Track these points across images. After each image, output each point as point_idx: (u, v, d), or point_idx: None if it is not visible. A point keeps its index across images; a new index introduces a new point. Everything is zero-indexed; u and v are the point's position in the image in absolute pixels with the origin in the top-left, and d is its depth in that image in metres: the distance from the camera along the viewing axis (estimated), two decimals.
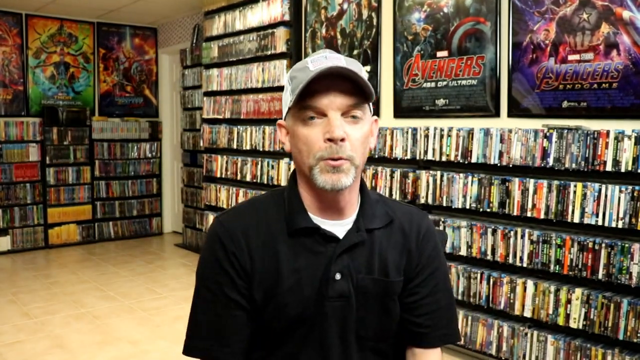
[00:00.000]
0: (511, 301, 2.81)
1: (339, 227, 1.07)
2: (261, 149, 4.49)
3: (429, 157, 3.20)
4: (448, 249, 3.06)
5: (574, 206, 2.57)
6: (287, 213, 1.07)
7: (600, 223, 2.49)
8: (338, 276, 1.04)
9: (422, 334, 1.11)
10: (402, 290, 1.11)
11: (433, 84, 3.31)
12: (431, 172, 3.18)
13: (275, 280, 1.04)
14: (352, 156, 0.99)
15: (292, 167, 4.07)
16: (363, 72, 1.03)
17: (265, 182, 4.44)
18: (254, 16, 4.57)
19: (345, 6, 3.89)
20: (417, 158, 3.27)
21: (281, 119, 1.11)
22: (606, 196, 2.47)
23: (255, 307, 1.05)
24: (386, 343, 1.12)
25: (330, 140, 0.97)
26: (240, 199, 4.72)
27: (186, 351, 1.07)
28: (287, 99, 1.04)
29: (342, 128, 0.98)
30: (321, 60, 1.00)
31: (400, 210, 1.15)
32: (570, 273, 2.59)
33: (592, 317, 2.52)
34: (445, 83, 3.24)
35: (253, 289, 1.04)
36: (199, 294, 1.07)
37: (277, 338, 1.06)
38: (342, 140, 0.98)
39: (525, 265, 2.76)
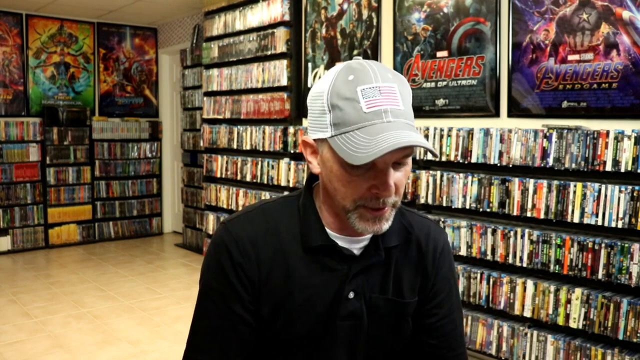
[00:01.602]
0: (511, 301, 2.81)
1: (356, 244, 1.01)
2: (261, 149, 4.49)
3: (429, 157, 3.20)
4: None
5: (573, 206, 2.58)
6: (303, 227, 1.00)
7: (600, 223, 2.49)
8: (351, 295, 0.99)
9: (439, 356, 1.07)
10: (418, 311, 1.07)
11: (433, 84, 3.31)
12: (431, 172, 3.18)
13: (285, 295, 0.98)
14: (396, 202, 0.93)
15: (293, 165, 4.00)
16: (409, 94, 0.93)
17: (265, 182, 4.45)
18: (254, 16, 4.58)
19: (345, 6, 3.89)
20: (417, 158, 3.27)
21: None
22: (606, 196, 2.47)
23: (261, 322, 1.00)
24: None
25: (376, 193, 0.90)
26: (241, 199, 4.72)
27: None
28: (322, 123, 0.91)
29: (392, 181, 0.89)
30: (374, 96, 0.87)
31: (418, 224, 1.09)
32: (570, 273, 2.60)
33: (591, 317, 2.52)
34: (445, 83, 3.25)
35: (260, 302, 0.99)
36: (202, 304, 1.02)
37: (283, 354, 1.02)
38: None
39: (525, 265, 2.76)
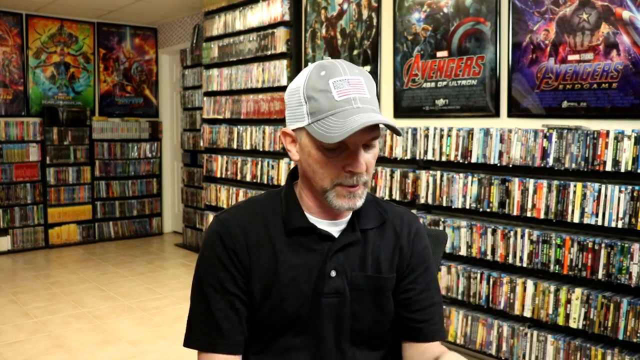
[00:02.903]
0: (511, 301, 2.81)
1: (335, 227, 1.12)
2: (261, 149, 4.49)
3: (429, 157, 3.20)
4: (448, 249, 3.06)
5: (573, 206, 2.58)
6: (285, 213, 1.11)
7: (600, 223, 2.49)
8: (333, 273, 1.09)
9: (418, 329, 1.15)
10: (397, 288, 1.15)
11: (433, 84, 3.31)
12: (431, 172, 3.18)
13: (273, 276, 1.07)
14: (367, 180, 1.06)
15: (293, 165, 4.03)
16: (373, 86, 1.05)
17: (265, 182, 4.45)
18: (254, 16, 4.58)
19: (345, 6, 3.89)
20: (417, 158, 3.27)
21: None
22: (606, 196, 2.47)
23: (253, 303, 1.08)
24: (380, 338, 1.16)
25: (350, 171, 1.02)
26: (241, 199, 4.72)
27: (187, 343, 1.11)
28: (300, 114, 1.04)
29: (363, 160, 1.03)
30: (344, 86, 1.00)
31: (392, 211, 1.19)
32: (570, 273, 2.60)
33: (591, 317, 2.52)
34: (445, 83, 3.25)
35: (251, 284, 1.08)
36: (199, 289, 1.10)
37: (273, 333, 1.10)
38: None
39: (525, 265, 2.76)
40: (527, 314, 2.75)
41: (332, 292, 1.09)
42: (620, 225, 2.43)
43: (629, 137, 2.41)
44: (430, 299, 1.16)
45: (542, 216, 2.68)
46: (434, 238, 1.40)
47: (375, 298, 1.12)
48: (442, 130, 3.13)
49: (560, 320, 2.63)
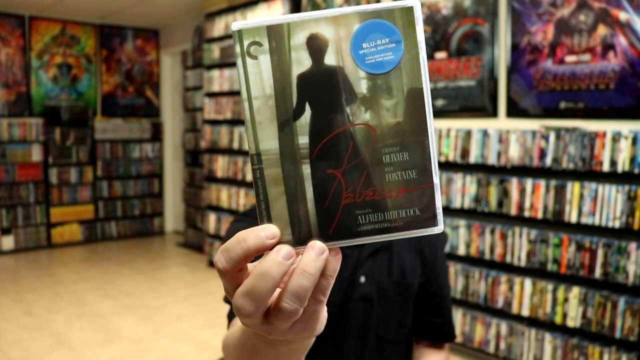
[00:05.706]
0: (509, 300, 2.84)
1: None
2: None
3: None
4: (447, 249, 3.09)
5: (571, 206, 2.60)
6: None
7: (597, 223, 2.52)
8: (363, 279, 1.09)
9: (443, 332, 1.18)
10: (422, 293, 1.16)
11: (432, 85, 3.33)
12: None
13: None
14: None
15: None
16: None
17: None
18: (255, 18, 4.60)
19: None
20: None
21: None
22: (603, 196, 2.50)
23: None
24: (401, 343, 1.16)
25: None
26: (241, 199, 4.74)
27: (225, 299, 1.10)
28: None
29: None
30: None
31: None
32: (568, 272, 2.62)
33: (589, 315, 2.55)
34: (444, 84, 3.27)
35: None
36: None
37: None
38: None
39: (523, 264, 2.78)
40: (525, 312, 2.77)
41: (360, 299, 1.08)
42: (617, 225, 2.45)
43: (626, 138, 2.43)
44: (449, 302, 1.19)
45: (540, 216, 2.71)
46: None
47: (400, 304, 1.12)
48: (440, 130, 3.15)
49: (558, 319, 2.65)
